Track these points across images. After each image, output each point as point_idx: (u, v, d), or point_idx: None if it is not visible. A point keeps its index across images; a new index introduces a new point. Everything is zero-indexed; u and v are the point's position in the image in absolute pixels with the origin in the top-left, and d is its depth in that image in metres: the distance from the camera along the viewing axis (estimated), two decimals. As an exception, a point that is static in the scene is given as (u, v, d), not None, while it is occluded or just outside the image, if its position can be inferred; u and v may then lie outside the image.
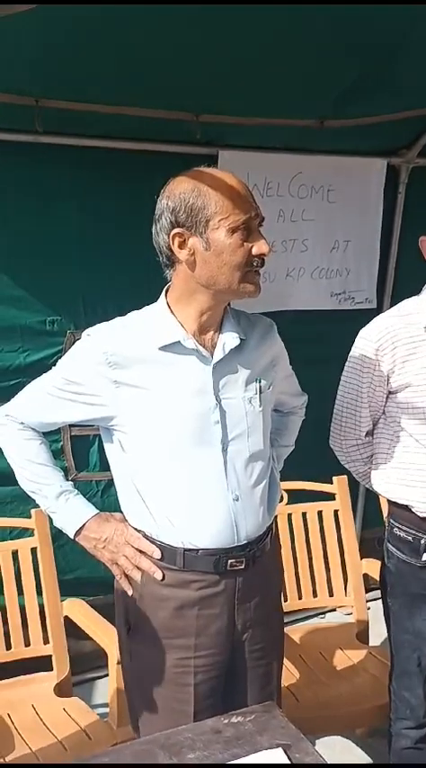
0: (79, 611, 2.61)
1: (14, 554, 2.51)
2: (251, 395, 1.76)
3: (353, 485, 2.78)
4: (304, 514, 2.83)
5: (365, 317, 2.18)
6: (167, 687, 1.77)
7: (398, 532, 2.15)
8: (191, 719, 1.72)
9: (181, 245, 1.65)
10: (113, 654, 2.34)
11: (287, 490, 2.72)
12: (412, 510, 2.10)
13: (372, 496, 2.70)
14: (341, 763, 2.65)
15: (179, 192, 1.64)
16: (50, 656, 2.51)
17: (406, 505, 2.11)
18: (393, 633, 2.22)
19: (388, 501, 2.19)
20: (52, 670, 2.50)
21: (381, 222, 3.49)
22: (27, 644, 2.49)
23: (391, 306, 2.21)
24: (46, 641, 2.52)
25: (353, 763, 2.72)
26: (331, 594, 2.86)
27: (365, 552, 2.94)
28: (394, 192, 3.53)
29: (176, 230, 1.64)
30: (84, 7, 1.91)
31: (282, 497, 2.67)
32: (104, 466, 1.93)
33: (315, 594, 2.84)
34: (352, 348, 2.13)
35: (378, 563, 2.29)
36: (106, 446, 1.81)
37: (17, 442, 1.82)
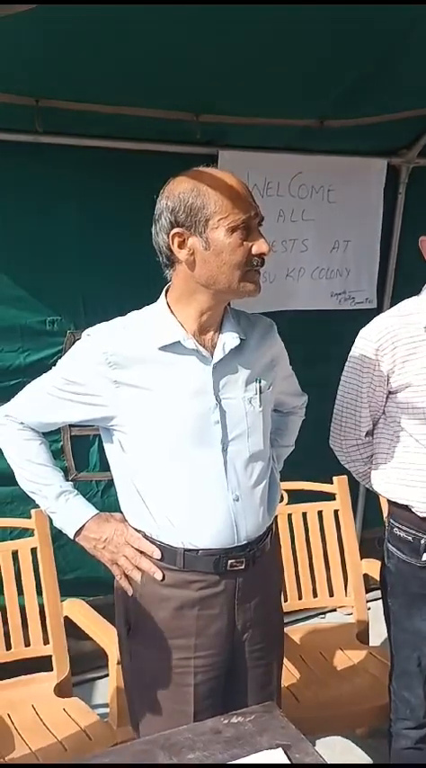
0: (79, 611, 2.60)
1: (14, 554, 2.51)
2: (251, 395, 1.76)
3: (353, 485, 2.78)
4: (304, 514, 2.83)
5: (365, 316, 2.18)
6: (167, 687, 1.77)
7: (398, 532, 2.15)
8: (191, 720, 1.71)
9: (181, 245, 1.65)
10: (113, 654, 2.34)
11: (287, 490, 2.72)
12: (412, 510, 2.10)
13: (372, 496, 2.70)
14: (341, 764, 2.65)
15: (178, 191, 1.64)
16: (50, 656, 2.51)
17: (406, 505, 2.11)
18: (393, 633, 2.22)
19: (388, 501, 2.19)
20: (52, 670, 2.50)
21: (381, 222, 3.49)
22: (27, 644, 2.49)
23: (391, 306, 2.21)
24: (46, 641, 2.51)
25: (353, 764, 2.72)
26: (331, 594, 2.86)
27: (365, 552, 2.94)
28: (394, 192, 3.52)
29: (176, 230, 1.64)
30: (84, 7, 1.91)
31: (282, 497, 2.67)
32: (104, 466, 1.93)
33: (315, 594, 2.84)
34: (352, 348, 2.13)
35: (378, 563, 2.29)
36: (106, 446, 1.81)
37: (17, 443, 1.82)
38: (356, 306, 3.53)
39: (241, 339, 1.75)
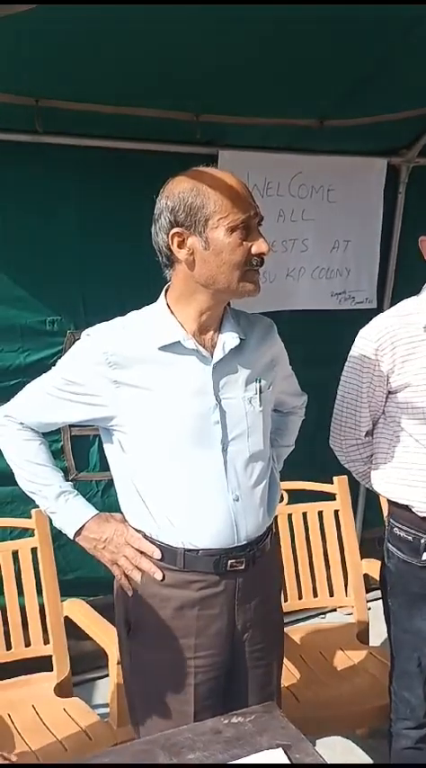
0: (79, 611, 2.60)
1: (14, 554, 2.51)
2: (251, 395, 1.76)
3: (353, 485, 2.78)
4: (304, 514, 2.83)
5: (365, 316, 2.18)
6: (167, 687, 1.77)
7: (398, 532, 2.15)
8: (191, 720, 1.72)
9: (181, 245, 1.65)
10: (113, 654, 2.34)
11: (287, 490, 2.72)
12: (413, 510, 2.10)
13: (372, 496, 2.70)
14: (341, 764, 2.65)
15: (178, 191, 1.64)
16: (50, 656, 2.51)
17: (406, 505, 2.11)
18: (393, 633, 2.22)
19: (388, 501, 2.19)
20: (52, 670, 2.50)
21: (381, 222, 3.49)
22: (27, 644, 2.49)
23: (391, 306, 2.21)
24: (46, 641, 2.51)
25: (353, 764, 2.72)
26: (331, 594, 2.86)
27: (365, 552, 2.94)
28: (394, 191, 3.53)
29: (175, 230, 1.64)
30: (84, 7, 1.91)
31: (282, 497, 2.67)
32: (104, 466, 1.93)
33: (315, 594, 2.84)
34: (352, 348, 2.13)
35: (378, 563, 2.29)
36: (106, 446, 1.81)
37: (16, 443, 1.82)
38: (356, 306, 3.53)
39: (241, 339, 1.75)
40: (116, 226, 2.90)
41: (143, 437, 1.71)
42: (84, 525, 1.76)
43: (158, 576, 1.73)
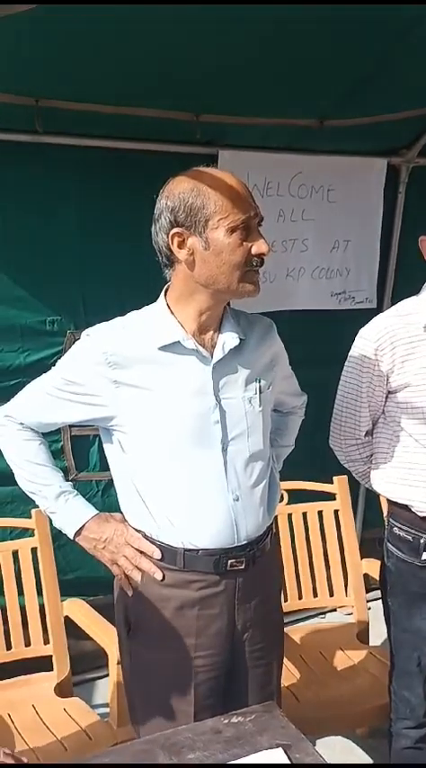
0: (79, 611, 2.60)
1: (15, 554, 2.51)
2: (250, 395, 1.76)
3: (353, 485, 2.78)
4: (304, 514, 2.83)
5: (365, 316, 2.18)
6: (167, 687, 1.77)
7: (398, 532, 2.15)
8: (191, 719, 1.72)
9: (181, 245, 1.65)
10: (113, 654, 2.34)
11: (287, 490, 2.72)
12: (412, 509, 2.10)
13: (372, 496, 2.71)
14: (341, 763, 2.65)
15: (178, 191, 1.64)
16: (50, 656, 2.51)
17: (406, 505, 2.11)
18: (393, 633, 2.22)
19: (388, 500, 2.19)
20: (52, 670, 2.50)
21: (381, 222, 3.49)
22: (27, 644, 2.49)
23: (391, 306, 2.21)
24: (46, 641, 2.51)
25: (353, 763, 2.72)
26: (331, 594, 2.86)
27: (365, 552, 2.94)
28: (394, 191, 3.53)
29: (175, 230, 1.64)
30: (84, 7, 1.91)
31: (282, 497, 2.67)
32: (104, 466, 1.93)
33: (315, 594, 2.84)
34: (352, 348, 2.13)
35: (378, 563, 2.29)
36: (106, 446, 1.81)
37: (16, 443, 1.82)
38: (356, 306, 3.53)
39: (240, 339, 1.75)
40: (116, 226, 2.90)
41: (143, 437, 1.71)
42: (83, 525, 1.77)
43: (158, 575, 1.73)
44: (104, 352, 1.67)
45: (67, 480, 1.85)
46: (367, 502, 3.68)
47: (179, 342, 1.69)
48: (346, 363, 2.15)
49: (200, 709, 1.75)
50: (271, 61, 2.45)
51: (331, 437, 2.25)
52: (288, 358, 1.97)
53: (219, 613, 1.76)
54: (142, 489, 1.74)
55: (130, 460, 1.75)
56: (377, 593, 2.32)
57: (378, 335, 2.06)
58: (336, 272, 3.46)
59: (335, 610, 3.37)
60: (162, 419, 1.69)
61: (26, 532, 2.57)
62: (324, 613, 3.42)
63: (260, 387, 1.77)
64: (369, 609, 2.86)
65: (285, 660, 2.03)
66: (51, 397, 1.76)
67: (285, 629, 2.09)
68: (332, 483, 2.88)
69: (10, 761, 1.40)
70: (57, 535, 2.20)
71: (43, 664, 2.51)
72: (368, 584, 2.88)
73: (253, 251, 1.64)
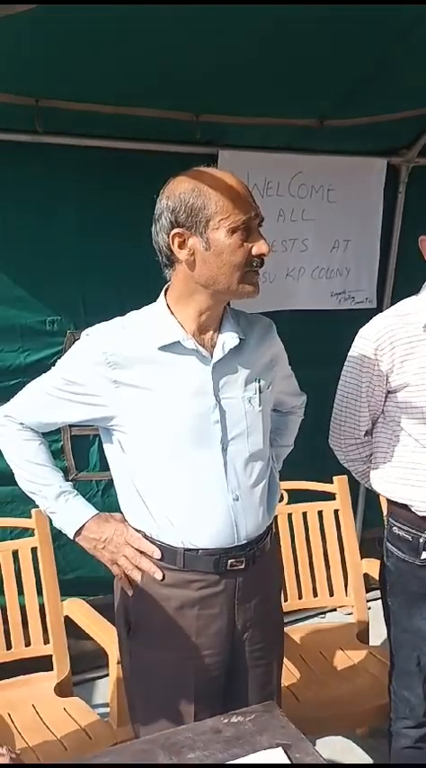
0: (79, 610, 2.60)
1: (15, 554, 2.51)
2: (250, 395, 1.76)
3: (353, 485, 2.78)
4: (304, 514, 2.83)
5: (365, 316, 2.18)
6: (167, 687, 1.77)
7: (397, 531, 2.15)
8: (191, 719, 1.72)
9: (181, 245, 1.65)
10: (113, 653, 2.34)
11: (287, 490, 2.72)
12: (412, 509, 2.10)
13: (372, 496, 2.70)
14: (341, 763, 2.65)
15: (179, 191, 1.64)
16: (50, 655, 2.51)
17: (406, 504, 2.11)
18: (392, 632, 2.22)
19: (387, 500, 2.19)
20: (52, 670, 2.50)
21: (381, 222, 3.49)
22: (27, 644, 2.49)
23: (391, 305, 2.21)
24: (46, 641, 2.52)
25: (353, 763, 2.72)
26: (331, 594, 2.86)
27: (365, 552, 2.94)
28: (394, 191, 3.53)
29: (176, 230, 1.64)
30: (84, 7, 1.91)
31: (282, 497, 2.67)
32: (104, 466, 1.93)
33: (315, 594, 2.84)
34: (351, 348, 2.13)
35: (378, 563, 2.30)
36: (106, 446, 1.81)
37: (16, 443, 1.82)
38: (356, 305, 3.53)
39: (240, 339, 1.75)
40: (116, 226, 2.90)
41: (143, 437, 1.71)
42: (83, 525, 1.77)
43: (158, 575, 1.73)
44: (104, 352, 1.67)
45: (67, 480, 1.85)
46: (367, 502, 3.68)
47: (179, 342, 1.69)
48: (346, 363, 2.15)
49: (200, 709, 1.75)
50: (271, 61, 2.45)
51: (330, 437, 2.25)
52: (288, 358, 1.97)
53: (219, 613, 1.76)
54: (142, 489, 1.74)
55: (130, 460, 1.75)
56: (377, 593, 2.32)
57: (378, 335, 2.06)
58: (336, 271, 3.46)
59: (335, 610, 3.37)
60: (162, 419, 1.69)
61: (26, 532, 2.57)
62: (324, 613, 3.42)
63: (259, 387, 1.77)
64: (369, 609, 2.86)
65: (285, 660, 2.03)
66: (51, 397, 1.76)
67: (285, 629, 2.09)
68: (331, 483, 2.88)
69: (6, 760, 1.40)
70: (57, 535, 2.20)
71: (43, 664, 2.51)
72: (368, 584, 2.88)
73: (254, 251, 1.64)
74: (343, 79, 2.74)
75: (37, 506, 1.96)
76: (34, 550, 2.53)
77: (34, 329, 2.88)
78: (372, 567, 2.70)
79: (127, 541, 1.75)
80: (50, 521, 1.87)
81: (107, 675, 2.56)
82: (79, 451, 3.03)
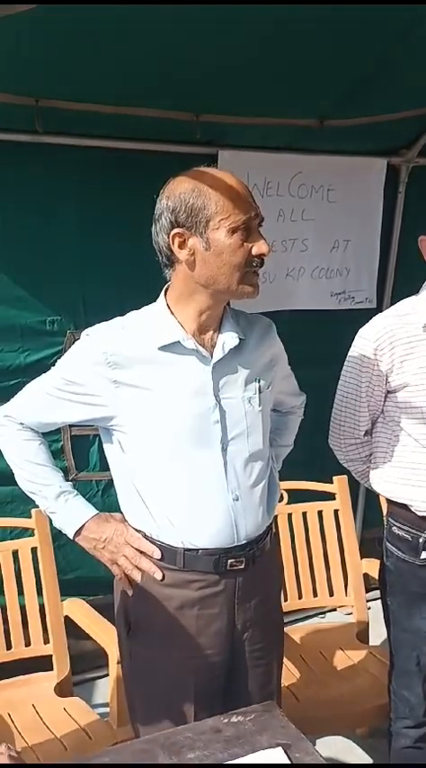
0: (79, 610, 2.61)
1: (14, 554, 2.51)
2: (250, 395, 1.76)
3: (353, 485, 2.78)
4: (304, 514, 2.83)
5: (365, 316, 2.18)
6: (167, 687, 1.77)
7: (397, 531, 2.15)
8: (191, 719, 1.72)
9: (181, 245, 1.65)
10: (113, 653, 2.34)
11: (287, 490, 2.72)
12: (411, 509, 2.10)
13: (372, 496, 2.70)
14: (341, 763, 2.65)
15: (179, 191, 1.64)
16: (50, 655, 2.51)
17: (405, 504, 2.11)
18: (392, 632, 2.22)
19: (387, 500, 2.19)
20: (52, 670, 2.50)
21: (381, 222, 3.49)
22: (27, 644, 2.49)
23: (391, 305, 2.21)
24: (46, 641, 2.52)
25: (353, 763, 2.72)
26: (331, 594, 2.86)
27: (365, 552, 2.94)
28: (394, 191, 3.53)
29: (176, 230, 1.64)
30: (84, 7, 1.91)
31: (282, 497, 2.67)
32: (104, 466, 1.93)
33: (315, 594, 2.84)
34: (351, 348, 2.13)
35: (378, 562, 2.30)
36: (106, 446, 1.82)
37: (16, 443, 1.82)
38: (356, 305, 3.53)
39: (240, 339, 1.75)
40: (116, 226, 2.90)
41: (143, 437, 1.71)
42: (83, 525, 1.77)
43: (158, 575, 1.73)
44: (104, 352, 1.68)
45: (67, 480, 1.85)
46: (367, 502, 3.68)
47: (179, 342, 1.69)
48: (345, 363, 2.15)
49: (200, 708, 1.75)
50: (271, 61, 2.45)
51: (330, 437, 2.25)
52: (288, 358, 1.97)
53: (219, 613, 1.76)
54: (142, 489, 1.74)
55: (130, 460, 1.75)
56: (377, 593, 2.32)
57: (378, 335, 2.06)
58: (336, 271, 3.46)
59: (335, 610, 3.37)
60: (162, 419, 1.69)
61: (26, 532, 2.57)
62: (324, 613, 3.42)
63: (259, 387, 1.77)
64: (369, 609, 2.86)
65: (285, 660, 2.03)
66: (51, 397, 1.76)
67: (285, 629, 2.09)
68: (331, 483, 2.88)
69: (6, 760, 1.40)
70: (57, 535, 2.20)
71: (43, 663, 2.51)
72: (368, 583, 2.88)
73: (254, 251, 1.64)
74: (343, 79, 2.74)
75: (37, 506, 1.96)
76: (34, 550, 2.53)
77: (34, 329, 2.88)
78: (372, 566, 2.70)
79: (127, 541, 1.75)
80: (50, 521, 1.88)
81: (107, 675, 2.56)
82: (79, 451, 3.03)
